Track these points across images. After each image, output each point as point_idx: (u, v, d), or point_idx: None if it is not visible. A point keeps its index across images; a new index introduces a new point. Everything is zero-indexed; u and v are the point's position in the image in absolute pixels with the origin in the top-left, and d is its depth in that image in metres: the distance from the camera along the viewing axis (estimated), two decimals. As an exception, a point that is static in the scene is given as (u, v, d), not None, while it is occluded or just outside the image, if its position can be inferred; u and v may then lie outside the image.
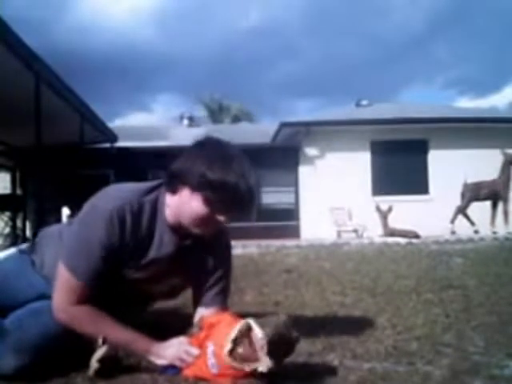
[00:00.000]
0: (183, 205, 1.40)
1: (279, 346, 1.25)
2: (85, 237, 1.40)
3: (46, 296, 1.50)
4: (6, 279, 1.60)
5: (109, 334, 1.37)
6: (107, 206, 1.38)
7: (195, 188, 1.36)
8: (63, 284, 1.40)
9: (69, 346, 1.42)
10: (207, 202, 1.35)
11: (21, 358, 1.32)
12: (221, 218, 1.38)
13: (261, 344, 1.23)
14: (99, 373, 1.34)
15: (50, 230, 1.75)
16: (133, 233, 1.41)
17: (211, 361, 1.32)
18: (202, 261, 1.57)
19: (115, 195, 1.44)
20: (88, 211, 1.43)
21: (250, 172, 1.39)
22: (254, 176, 1.40)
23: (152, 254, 1.46)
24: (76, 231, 1.44)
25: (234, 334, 1.28)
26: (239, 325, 1.30)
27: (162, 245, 1.47)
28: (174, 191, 1.42)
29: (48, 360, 1.36)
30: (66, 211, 10.96)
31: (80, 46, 54.74)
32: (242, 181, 1.35)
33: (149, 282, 1.53)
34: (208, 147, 1.44)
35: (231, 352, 1.27)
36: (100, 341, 1.35)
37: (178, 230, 1.47)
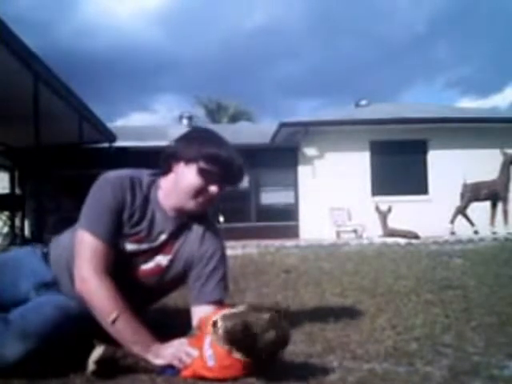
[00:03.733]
0: (178, 180, 1.54)
1: (242, 338, 1.24)
2: (96, 201, 1.54)
3: (48, 285, 1.58)
4: (15, 263, 1.71)
5: (121, 314, 1.40)
6: (111, 176, 1.57)
7: (189, 160, 1.52)
8: (86, 249, 1.48)
9: (71, 337, 1.42)
10: (201, 171, 1.51)
11: (25, 344, 1.32)
12: (213, 188, 1.52)
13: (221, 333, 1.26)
14: (96, 374, 1.33)
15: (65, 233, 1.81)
16: (130, 200, 1.54)
17: (208, 352, 1.31)
18: (188, 246, 1.62)
19: (118, 171, 1.61)
20: (96, 183, 1.57)
21: (236, 151, 1.58)
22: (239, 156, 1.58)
23: (143, 226, 1.57)
24: (88, 201, 1.56)
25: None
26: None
27: (154, 221, 1.58)
28: (167, 171, 1.58)
29: (51, 348, 1.35)
30: None
31: (84, 47, 55.05)
32: (233, 155, 1.54)
33: (138, 256, 1.57)
34: (200, 132, 1.68)
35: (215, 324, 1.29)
36: (112, 317, 1.35)
37: (168, 210, 1.59)
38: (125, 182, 1.55)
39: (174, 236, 1.61)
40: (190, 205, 1.55)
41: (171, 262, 1.61)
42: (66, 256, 1.60)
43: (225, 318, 1.28)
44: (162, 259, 1.61)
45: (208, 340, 1.32)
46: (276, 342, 1.26)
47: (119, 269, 1.55)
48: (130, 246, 1.56)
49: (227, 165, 1.52)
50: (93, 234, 1.49)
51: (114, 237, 1.52)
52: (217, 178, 1.52)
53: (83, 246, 1.50)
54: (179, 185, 1.54)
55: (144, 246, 1.58)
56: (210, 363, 1.30)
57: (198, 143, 1.53)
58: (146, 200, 1.58)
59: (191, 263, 1.62)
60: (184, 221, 1.62)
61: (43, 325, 1.37)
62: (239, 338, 1.24)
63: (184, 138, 1.59)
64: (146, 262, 1.60)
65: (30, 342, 1.33)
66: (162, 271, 1.63)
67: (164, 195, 1.59)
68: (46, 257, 1.71)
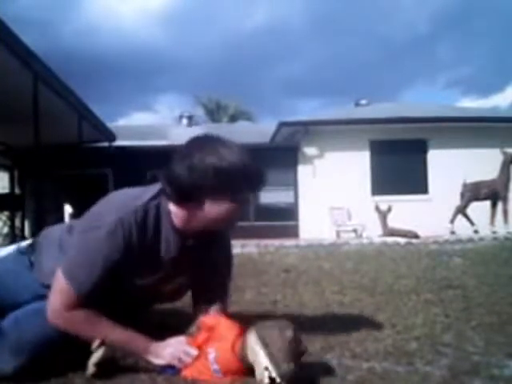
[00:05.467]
0: (205, 214, 1.39)
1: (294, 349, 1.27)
2: (87, 249, 1.37)
3: (43, 297, 1.48)
4: (3, 279, 1.60)
5: (106, 335, 1.36)
6: (111, 218, 1.35)
7: (217, 196, 1.36)
8: (60, 291, 1.38)
9: (67, 347, 1.41)
10: (234, 200, 1.37)
11: (19, 358, 1.32)
12: (246, 205, 1.44)
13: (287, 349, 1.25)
14: (96, 376, 1.33)
15: (52, 234, 1.69)
16: (139, 242, 1.38)
17: (214, 367, 1.32)
18: (205, 259, 1.57)
19: (119, 205, 1.41)
20: (91, 221, 1.40)
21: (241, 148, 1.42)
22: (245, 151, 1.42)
23: (159, 260, 1.46)
24: (79, 241, 1.42)
25: (265, 360, 1.25)
26: (260, 347, 1.27)
27: (169, 249, 1.46)
28: (184, 204, 1.39)
29: (46, 360, 1.36)
30: (68, 209, 10.95)
31: (86, 47, 55.05)
32: (248, 160, 1.38)
33: (155, 285, 1.53)
34: (202, 146, 1.39)
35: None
36: (95, 344, 1.33)
37: (184, 233, 1.46)
38: (130, 226, 1.35)
39: (190, 253, 1.52)
40: (222, 228, 1.49)
41: (189, 279, 1.61)
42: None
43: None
44: (183, 280, 1.59)
45: (213, 356, 1.33)
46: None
47: (131, 295, 1.53)
48: (143, 281, 1.49)
49: (252, 176, 1.39)
50: (68, 281, 1.36)
51: (93, 290, 1.36)
52: (247, 193, 1.42)
53: (57, 285, 1.38)
54: (210, 218, 1.39)
55: (158, 276, 1.51)
56: (218, 375, 1.32)
57: (214, 170, 1.31)
58: (157, 228, 1.43)
59: (202, 269, 1.59)
60: (192, 242, 1.52)
61: (39, 336, 1.36)
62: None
63: (194, 167, 1.33)
64: (164, 285, 1.56)
65: (24, 356, 1.32)
66: (183, 290, 1.66)
67: (183, 223, 1.43)
68: (33, 265, 1.60)
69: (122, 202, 1.42)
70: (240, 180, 1.35)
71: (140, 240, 1.38)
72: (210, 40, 56.80)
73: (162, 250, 1.45)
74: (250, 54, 59.73)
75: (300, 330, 1.82)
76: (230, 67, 55.14)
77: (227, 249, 1.65)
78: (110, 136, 11.19)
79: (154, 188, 1.47)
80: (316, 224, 11.65)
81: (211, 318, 1.46)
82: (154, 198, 1.43)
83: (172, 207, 1.42)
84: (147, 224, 1.40)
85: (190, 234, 1.47)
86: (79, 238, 1.42)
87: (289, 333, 1.27)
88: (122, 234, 1.34)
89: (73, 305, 1.37)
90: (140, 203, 1.40)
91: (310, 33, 61.35)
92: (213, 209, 1.38)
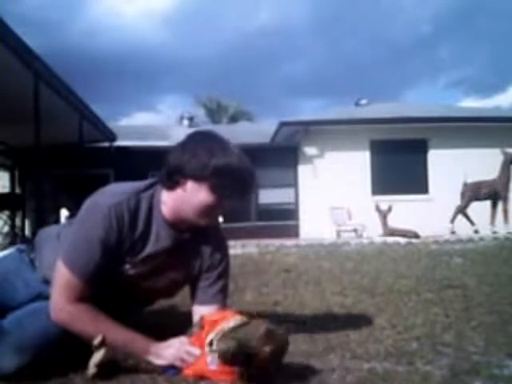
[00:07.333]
0: (188, 198, 1.42)
1: (236, 359, 1.26)
2: (84, 233, 1.42)
3: (42, 296, 1.50)
4: (4, 277, 1.61)
5: (107, 334, 1.36)
6: (105, 203, 1.41)
7: (200, 178, 1.39)
8: (62, 281, 1.40)
9: (68, 346, 1.42)
10: (214, 189, 1.39)
11: (21, 357, 1.32)
12: (227, 203, 1.43)
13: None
14: (97, 376, 1.33)
15: (49, 230, 1.75)
16: (130, 228, 1.43)
17: (209, 358, 1.31)
18: (199, 257, 1.58)
19: (113, 192, 1.47)
20: (87, 208, 1.45)
21: (244, 155, 1.45)
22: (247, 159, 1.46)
23: (148, 249, 1.48)
24: (75, 228, 1.46)
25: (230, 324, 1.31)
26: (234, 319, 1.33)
27: (159, 240, 1.49)
28: (173, 187, 1.44)
29: (48, 359, 1.36)
30: (64, 212, 10.97)
31: (89, 47, 55.02)
32: (242, 162, 1.42)
33: (146, 277, 1.53)
34: (202, 138, 1.48)
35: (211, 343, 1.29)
36: (97, 340, 1.34)
37: (175, 225, 1.49)
38: (122, 211, 1.41)
39: (183, 249, 1.54)
40: (202, 222, 1.47)
41: (183, 276, 1.60)
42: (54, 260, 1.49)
43: (220, 338, 1.28)
44: (175, 275, 1.58)
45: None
46: (272, 355, 1.27)
47: (123, 288, 1.53)
48: (134, 270, 1.50)
49: (239, 175, 1.40)
50: (69, 268, 1.39)
51: (94, 273, 1.40)
52: (230, 191, 1.41)
53: (58, 276, 1.41)
54: (190, 204, 1.42)
55: (149, 267, 1.51)
56: (212, 367, 1.31)
57: (204, 155, 1.37)
58: (149, 219, 1.47)
59: (198, 266, 1.59)
60: (192, 232, 1.54)
61: (41, 335, 1.37)
62: (234, 359, 1.25)
63: (187, 150, 1.41)
64: (156, 278, 1.56)
65: (25, 356, 1.32)
66: (176, 287, 1.66)
67: (171, 211, 1.47)
68: (33, 263, 1.64)
69: (116, 191, 1.48)
70: (226, 176, 1.38)
71: (131, 226, 1.43)
72: (211, 40, 56.87)
73: (151, 241, 1.48)
74: (251, 54, 59.80)
75: (301, 331, 1.84)
76: (231, 67, 55.17)
77: (222, 247, 1.64)
78: (111, 136, 11.19)
79: (149, 180, 1.53)
80: (316, 224, 11.65)
81: (215, 314, 1.45)
82: (148, 188, 1.50)
83: (164, 195, 1.47)
84: (139, 212, 1.45)
85: (181, 228, 1.50)
86: (76, 225, 1.46)
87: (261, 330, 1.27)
88: (115, 218, 1.39)
89: (76, 295, 1.39)
90: (133, 192, 1.46)
91: (312, 33, 61.28)
92: (194, 192, 1.40)
